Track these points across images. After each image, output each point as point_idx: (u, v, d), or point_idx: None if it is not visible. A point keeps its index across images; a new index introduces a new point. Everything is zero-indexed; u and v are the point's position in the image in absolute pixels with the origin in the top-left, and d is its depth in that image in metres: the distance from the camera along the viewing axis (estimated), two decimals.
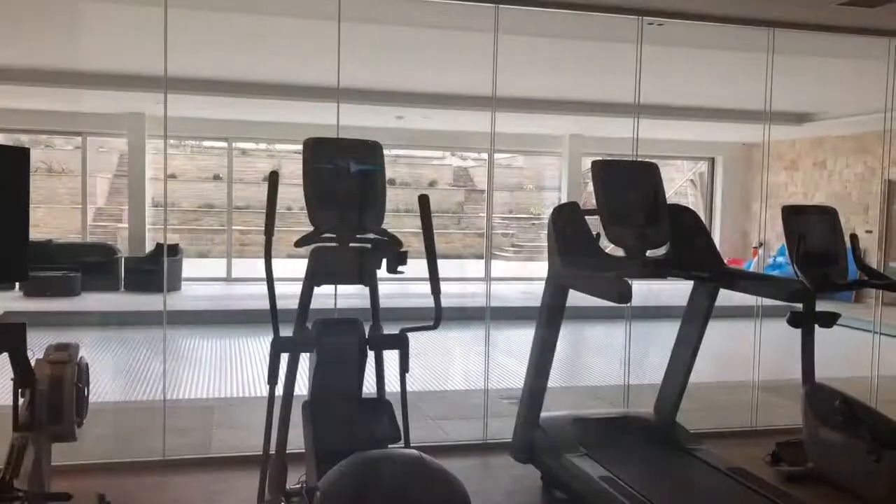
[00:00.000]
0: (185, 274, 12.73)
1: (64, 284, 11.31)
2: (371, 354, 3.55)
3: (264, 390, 6.52)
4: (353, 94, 8.30)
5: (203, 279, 13.76)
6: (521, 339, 9.03)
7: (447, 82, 9.63)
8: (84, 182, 14.35)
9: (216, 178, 18.96)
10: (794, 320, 4.27)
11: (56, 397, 3.35)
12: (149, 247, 13.39)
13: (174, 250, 12.64)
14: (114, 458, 4.23)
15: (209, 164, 19.60)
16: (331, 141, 3.56)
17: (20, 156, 3.83)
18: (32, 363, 3.30)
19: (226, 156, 15.31)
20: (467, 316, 7.69)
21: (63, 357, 3.43)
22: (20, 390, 3.28)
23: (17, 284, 10.85)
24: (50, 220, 17.41)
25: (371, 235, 3.45)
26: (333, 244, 3.46)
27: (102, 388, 6.25)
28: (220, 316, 10.37)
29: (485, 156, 17.50)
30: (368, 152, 3.53)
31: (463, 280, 12.55)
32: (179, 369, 7.39)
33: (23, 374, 3.21)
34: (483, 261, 15.94)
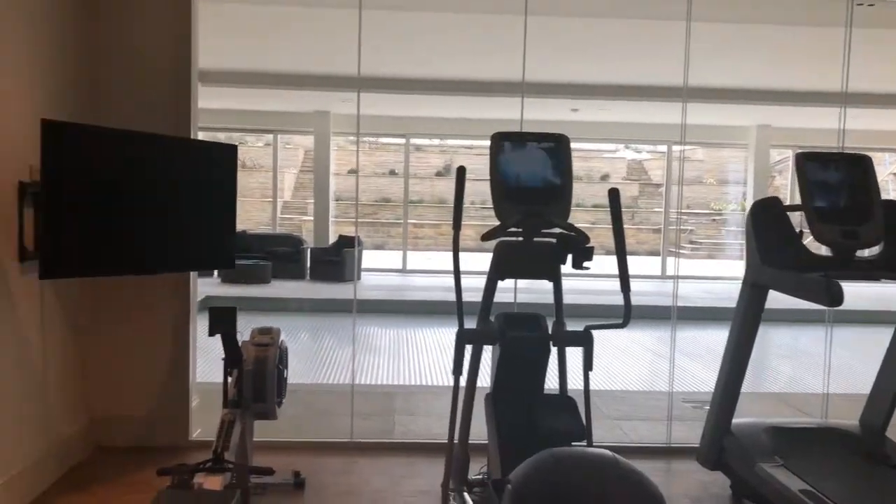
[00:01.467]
0: (363, 265, 13.31)
1: (257, 272, 12.15)
2: (553, 350, 3.52)
3: (440, 379, 6.76)
4: (533, 87, 8.31)
5: (380, 270, 14.31)
6: (703, 340, 8.71)
7: (631, 73, 9.39)
8: (275, 177, 15.34)
9: (392, 173, 19.65)
10: None
11: (260, 377, 3.59)
12: (331, 238, 14.09)
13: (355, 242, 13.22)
14: (306, 438, 4.47)
15: (386, 159, 20.34)
16: (517, 135, 3.55)
17: (229, 152, 4.14)
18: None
19: (400, 152, 15.79)
20: (644, 314, 7.48)
21: (266, 340, 3.66)
22: (229, 369, 3.54)
23: (216, 272, 11.81)
24: (243, 213, 18.80)
25: (557, 230, 3.41)
26: (519, 238, 3.46)
27: (292, 370, 6.64)
28: (397, 305, 10.73)
29: (660, 148, 16.92)
30: (555, 146, 3.50)
31: (639, 278, 12.24)
32: (361, 355, 7.72)
33: (232, 355, 3.47)
34: (659, 258, 15.46)
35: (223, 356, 3.52)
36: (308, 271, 13.08)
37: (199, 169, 3.93)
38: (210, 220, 3.99)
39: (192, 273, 4.38)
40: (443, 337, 8.92)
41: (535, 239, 3.42)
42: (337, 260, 12.74)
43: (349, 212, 19.14)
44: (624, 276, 3.32)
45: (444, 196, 19.58)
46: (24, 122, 3.41)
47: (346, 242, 13.20)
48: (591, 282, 8.82)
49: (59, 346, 3.89)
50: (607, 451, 2.42)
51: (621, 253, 3.32)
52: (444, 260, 16.24)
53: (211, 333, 3.35)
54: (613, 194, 3.34)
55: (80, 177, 3.38)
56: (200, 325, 4.46)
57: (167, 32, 4.16)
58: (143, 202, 3.65)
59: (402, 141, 15.65)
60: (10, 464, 3.37)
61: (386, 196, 19.79)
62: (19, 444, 3.47)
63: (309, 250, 13.31)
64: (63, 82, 3.86)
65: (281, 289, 11.81)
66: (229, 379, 3.56)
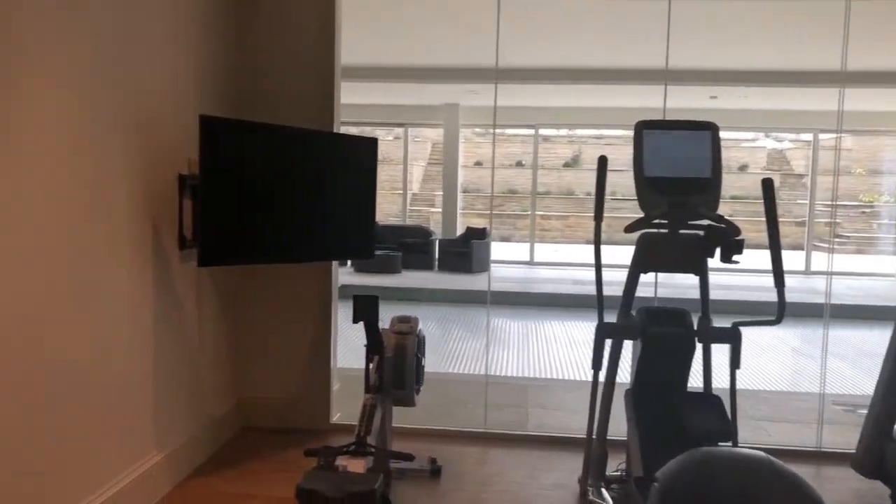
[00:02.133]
0: (490, 256, 13.36)
1: (387, 262, 12.43)
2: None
3: (572, 373, 6.68)
4: (675, 74, 8.04)
5: (507, 262, 14.31)
6: (852, 339, 8.18)
7: (780, 57, 8.89)
8: (405, 169, 15.64)
9: (518, 164, 19.58)
10: None
11: (400, 365, 3.67)
12: (459, 230, 14.21)
13: (482, 234, 13.27)
14: (441, 426, 4.53)
15: (512, 150, 20.29)
16: (663, 123, 3.45)
17: (371, 146, 4.25)
18: None
19: (527, 142, 15.72)
20: (787, 311, 7.10)
21: (406, 328, 3.74)
22: (370, 356, 3.63)
23: (349, 261, 12.15)
24: None
25: (705, 222, 3.29)
26: (663, 230, 3.37)
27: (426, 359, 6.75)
28: (526, 298, 10.69)
29: (804, 137, 16.03)
30: (703, 133, 3.37)
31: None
32: (491, 346, 7.75)
33: (374, 342, 3.55)
34: (801, 252, 14.65)
35: (365, 343, 3.62)
36: (436, 262, 13.26)
37: (343, 162, 4.06)
38: (352, 212, 4.11)
39: (333, 262, 4.52)
40: (573, 330, 8.82)
41: (681, 231, 3.32)
42: (465, 251, 12.84)
43: (475, 203, 19.22)
44: (778, 271, 3.17)
45: (572, 187, 19.32)
46: (185, 118, 3.62)
47: (474, 234, 13.28)
48: (730, 276, 8.47)
49: (213, 331, 4.12)
50: (760, 453, 2.30)
51: (775, 247, 3.17)
52: (572, 252, 16.06)
53: (355, 321, 3.44)
54: (767, 184, 3.19)
55: (234, 169, 3.56)
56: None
57: (314, 29, 4.30)
58: (290, 194, 3.80)
59: (530, 131, 15.57)
60: (168, 440, 3.60)
61: (512, 187, 19.75)
62: (176, 422, 3.70)
63: (437, 241, 13.48)
64: (218, 78, 4.06)
65: (411, 279, 12.03)
66: (370, 365, 3.65)
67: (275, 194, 3.73)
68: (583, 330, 8.88)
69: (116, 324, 3.13)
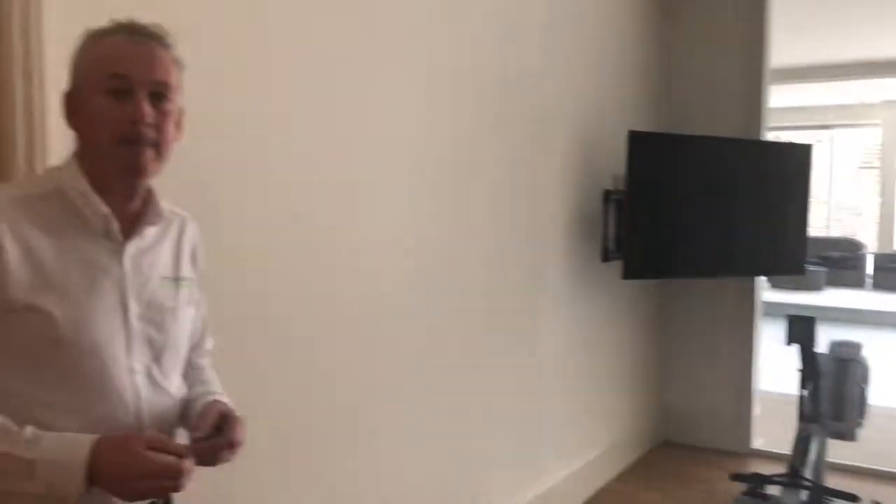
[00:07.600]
0: None
1: (808, 278, 11.36)
2: None
3: None
4: None
5: None
6: None
7: None
8: (830, 176, 14.23)
9: None
10: None
11: (839, 393, 3.33)
12: None
13: None
14: (887, 467, 3.99)
15: None
16: None
17: (803, 153, 3.94)
18: None
19: None
20: None
21: (847, 354, 3.38)
22: (805, 382, 3.35)
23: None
24: None
25: None
26: None
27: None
28: None
29: None
30: None
31: None
32: None
33: (809, 367, 3.28)
34: None
35: (798, 367, 3.35)
36: (869, 279, 11.78)
37: (770, 171, 3.83)
38: (780, 224, 3.87)
39: (757, 277, 4.28)
40: None
41: None
42: None
43: None
44: None
45: None
46: (611, 134, 3.73)
47: None
48: None
49: (633, 342, 4.17)
50: None
51: None
52: None
53: (788, 342, 3.21)
54: None
55: (658, 183, 3.57)
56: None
57: (740, 33, 4.13)
58: (714, 206, 3.69)
59: None
60: (593, 444, 3.74)
61: None
62: (601, 428, 3.82)
63: (871, 256, 11.98)
64: (641, 90, 4.11)
65: (837, 297, 10.86)
66: (804, 392, 3.37)
67: (698, 207, 3.65)
68: None
69: (550, 328, 3.34)
